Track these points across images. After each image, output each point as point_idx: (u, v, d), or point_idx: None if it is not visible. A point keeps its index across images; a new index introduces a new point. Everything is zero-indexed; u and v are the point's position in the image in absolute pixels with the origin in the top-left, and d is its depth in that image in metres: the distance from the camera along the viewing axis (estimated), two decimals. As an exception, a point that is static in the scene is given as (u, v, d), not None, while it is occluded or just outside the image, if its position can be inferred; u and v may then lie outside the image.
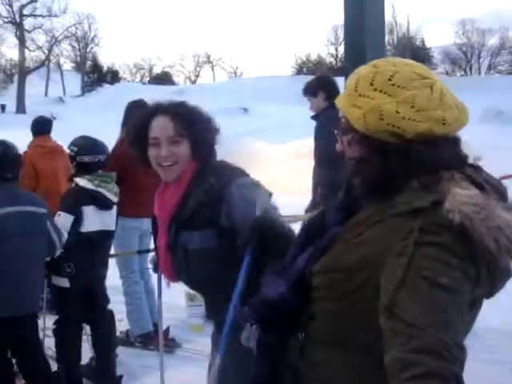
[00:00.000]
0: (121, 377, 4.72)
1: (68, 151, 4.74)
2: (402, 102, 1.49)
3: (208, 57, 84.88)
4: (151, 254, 3.06)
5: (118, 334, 5.70)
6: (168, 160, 2.46)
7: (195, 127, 2.49)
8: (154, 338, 5.42)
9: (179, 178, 2.50)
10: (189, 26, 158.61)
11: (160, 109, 2.52)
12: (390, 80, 1.51)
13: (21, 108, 47.32)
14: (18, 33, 55.36)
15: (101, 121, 30.90)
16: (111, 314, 4.84)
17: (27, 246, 4.03)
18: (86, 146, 4.62)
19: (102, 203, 4.50)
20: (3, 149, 4.13)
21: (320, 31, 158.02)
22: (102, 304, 4.78)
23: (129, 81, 78.70)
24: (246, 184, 2.49)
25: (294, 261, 1.68)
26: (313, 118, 5.68)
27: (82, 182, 4.48)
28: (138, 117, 2.61)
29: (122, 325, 5.69)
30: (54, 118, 42.97)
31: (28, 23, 56.74)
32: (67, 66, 74.24)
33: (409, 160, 1.47)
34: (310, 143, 5.93)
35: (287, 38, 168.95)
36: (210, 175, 2.46)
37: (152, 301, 5.48)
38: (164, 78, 76.60)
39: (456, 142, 1.55)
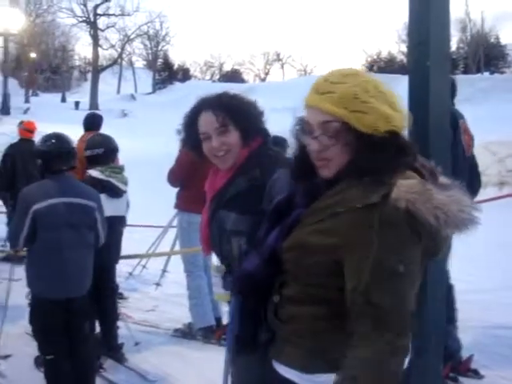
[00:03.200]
0: (122, 344, 5.27)
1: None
2: (389, 104, 1.85)
3: (278, 55, 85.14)
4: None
5: (180, 326, 5.84)
6: (220, 150, 2.59)
7: (238, 115, 2.61)
8: (216, 332, 5.51)
9: (231, 165, 2.64)
10: (259, 24, 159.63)
11: (202, 105, 2.65)
12: (376, 88, 1.86)
13: (94, 105, 48.27)
14: (91, 32, 56.47)
15: (170, 118, 31.36)
16: (112, 289, 5.47)
17: (75, 235, 4.23)
18: (94, 141, 5.30)
19: (113, 191, 5.08)
20: (56, 142, 4.33)
21: (391, 28, 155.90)
22: (110, 284, 5.40)
23: (199, 79, 79.47)
24: None
25: (266, 236, 2.01)
26: None
27: (94, 173, 5.04)
28: (186, 117, 2.73)
29: (184, 317, 5.82)
30: (126, 115, 44.12)
31: (101, 22, 57.79)
32: (139, 63, 75.66)
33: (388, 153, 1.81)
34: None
35: (358, 36, 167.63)
36: (256, 167, 2.55)
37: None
38: (234, 76, 77.16)
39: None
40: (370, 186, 1.76)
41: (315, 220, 1.85)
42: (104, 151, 5.14)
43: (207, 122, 2.60)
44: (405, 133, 1.90)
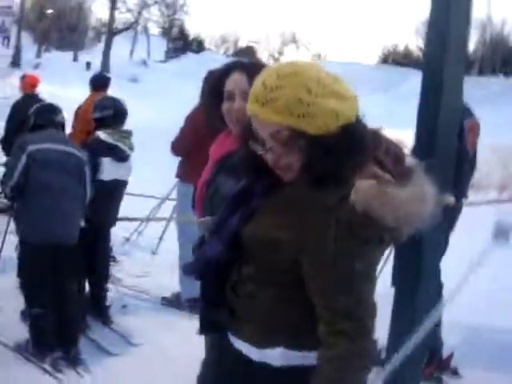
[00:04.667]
0: (109, 306, 5.33)
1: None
2: (335, 96, 1.73)
3: (293, 36, 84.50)
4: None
5: (169, 294, 5.87)
6: (240, 114, 2.49)
7: None
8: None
9: None
10: (277, 2, 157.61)
11: (238, 65, 2.58)
12: (319, 82, 1.73)
13: (106, 67, 47.71)
14: (109, -7, 56.07)
15: (181, 87, 31.23)
16: (106, 251, 5.56)
17: (67, 181, 4.35)
18: (103, 103, 5.34)
19: (118, 156, 5.03)
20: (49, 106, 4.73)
21: (409, 23, 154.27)
22: (105, 245, 5.46)
23: (213, 51, 78.89)
24: None
25: (225, 221, 1.96)
26: None
27: (102, 135, 5.03)
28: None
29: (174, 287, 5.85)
30: (136, 80, 43.73)
31: (121, -15, 57.45)
32: (154, 30, 75.15)
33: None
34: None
35: (375, 27, 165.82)
36: None
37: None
38: (248, 52, 76.61)
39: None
40: (328, 187, 1.75)
41: (274, 211, 1.84)
42: (113, 113, 5.13)
43: (237, 81, 2.52)
44: (359, 117, 1.80)
